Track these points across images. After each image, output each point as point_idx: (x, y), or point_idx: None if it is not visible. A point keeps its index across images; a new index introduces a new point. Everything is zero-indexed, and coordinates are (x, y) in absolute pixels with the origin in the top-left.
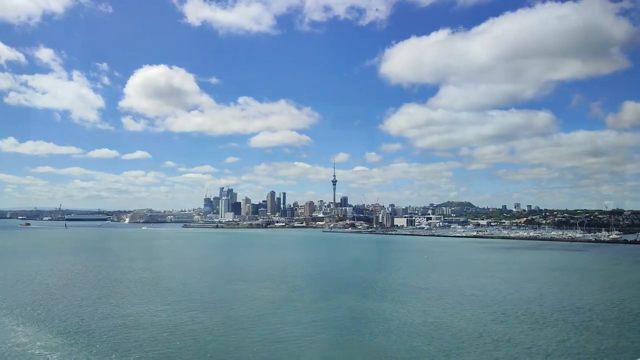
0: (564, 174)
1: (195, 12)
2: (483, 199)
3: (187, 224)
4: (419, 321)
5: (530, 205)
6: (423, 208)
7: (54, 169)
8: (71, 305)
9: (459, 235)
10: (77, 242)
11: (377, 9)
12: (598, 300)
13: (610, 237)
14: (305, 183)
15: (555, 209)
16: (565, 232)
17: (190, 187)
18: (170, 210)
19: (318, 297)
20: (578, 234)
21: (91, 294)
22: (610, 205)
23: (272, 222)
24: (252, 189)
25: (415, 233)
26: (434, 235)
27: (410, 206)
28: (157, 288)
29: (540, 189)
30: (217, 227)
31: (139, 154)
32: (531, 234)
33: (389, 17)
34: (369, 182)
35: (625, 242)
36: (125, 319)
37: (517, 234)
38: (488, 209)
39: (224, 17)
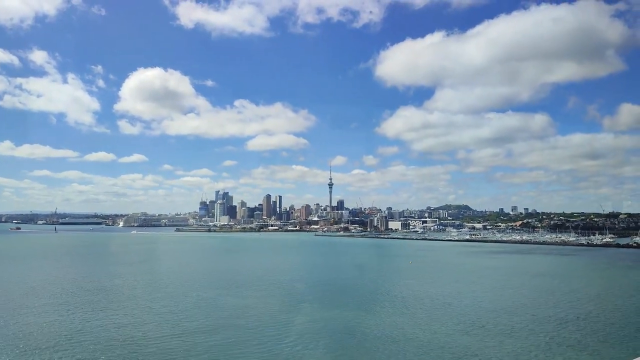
0: (561, 177)
1: (188, 13)
2: (481, 202)
3: (180, 227)
4: (382, 333)
5: (527, 208)
6: (420, 211)
7: (51, 173)
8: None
9: (451, 239)
10: (58, 247)
11: (370, 11)
12: (576, 311)
13: (604, 240)
14: (304, 186)
15: (553, 212)
16: (559, 235)
17: (188, 190)
18: (166, 214)
19: (283, 306)
20: (571, 237)
21: (38, 303)
22: (607, 208)
23: (266, 226)
24: (251, 192)
25: (407, 237)
26: (426, 239)
27: (407, 209)
28: (110, 297)
29: (538, 192)
30: (209, 231)
31: (136, 157)
32: (524, 237)
33: (383, 19)
34: (367, 186)
35: (618, 245)
36: (67, 329)
37: (510, 238)
38: (485, 212)
39: (216, 19)
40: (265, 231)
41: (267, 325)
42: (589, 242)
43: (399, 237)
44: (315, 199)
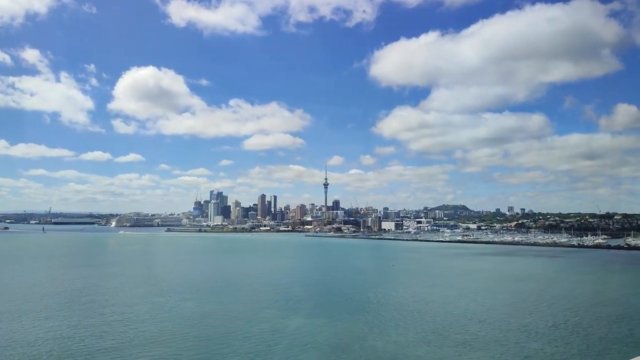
0: (559, 177)
1: (179, 12)
2: (479, 202)
3: (171, 228)
4: (336, 343)
5: (523, 209)
6: (416, 211)
7: (47, 172)
8: None
9: (442, 239)
10: (37, 247)
11: (364, 10)
12: (550, 319)
13: (595, 242)
14: (301, 186)
15: (551, 212)
16: (552, 236)
17: (186, 190)
18: (160, 213)
19: (243, 313)
20: (563, 238)
21: None
22: (605, 209)
23: (258, 227)
24: (248, 192)
25: (399, 237)
26: (417, 240)
27: (405, 209)
28: (62, 302)
29: (536, 192)
30: (200, 231)
31: (132, 157)
32: (516, 238)
33: (376, 18)
34: (365, 186)
35: (609, 247)
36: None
37: (502, 239)
38: (482, 212)
39: (208, 18)
40: (257, 232)
41: (220, 335)
42: (580, 243)
43: (390, 237)
44: (312, 198)
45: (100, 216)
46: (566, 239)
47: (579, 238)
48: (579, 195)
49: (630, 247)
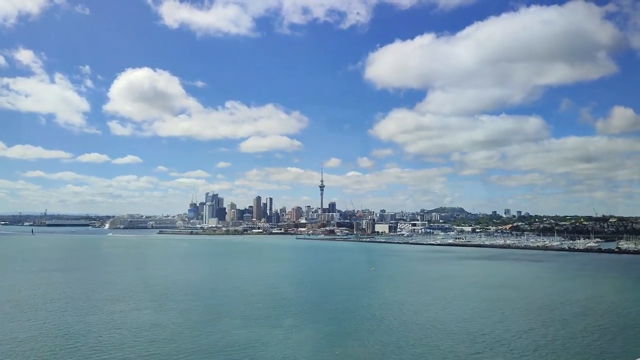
0: (556, 180)
1: (172, 13)
2: (477, 204)
3: (163, 230)
4: (284, 356)
5: (520, 211)
6: (412, 214)
7: (45, 174)
8: None
9: (434, 242)
10: (16, 250)
11: (357, 12)
12: (520, 329)
13: (587, 245)
14: (300, 188)
15: (548, 215)
16: (544, 239)
17: (184, 192)
18: (155, 215)
19: (198, 323)
20: (555, 241)
21: None
22: (601, 212)
23: (250, 229)
24: (246, 194)
25: (389, 240)
26: (408, 243)
27: (402, 212)
28: (6, 311)
29: (534, 194)
30: (191, 233)
31: (129, 159)
32: (508, 241)
33: (370, 20)
34: (363, 188)
35: (599, 250)
36: None
37: (493, 242)
38: (479, 214)
39: (201, 19)
40: (249, 234)
41: (164, 350)
42: (571, 246)
43: (381, 240)
44: (310, 201)
45: (98, 218)
46: (558, 242)
47: (571, 241)
48: (576, 198)
49: (620, 251)
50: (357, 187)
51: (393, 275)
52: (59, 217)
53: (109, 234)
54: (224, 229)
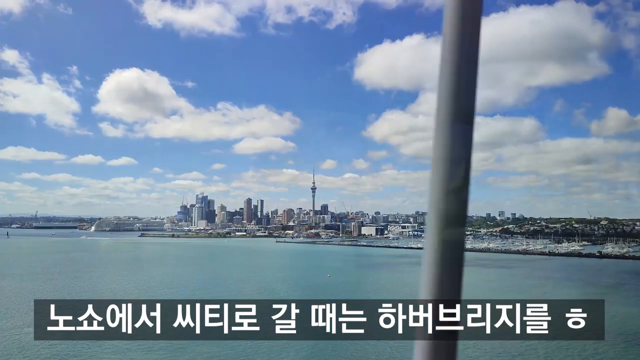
0: (554, 182)
1: (154, 12)
2: (475, 206)
3: (145, 232)
4: None
5: (514, 213)
6: (406, 216)
7: (40, 175)
8: None
9: (414, 246)
10: None
11: (343, 13)
12: None
13: (571, 249)
14: (297, 190)
15: (545, 217)
16: (528, 242)
17: (181, 194)
18: (142, 217)
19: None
20: (538, 245)
21: None
22: (599, 213)
23: (234, 232)
24: (244, 195)
25: (371, 244)
26: (389, 247)
27: (399, 213)
28: None
29: (531, 196)
30: (173, 236)
31: (124, 160)
32: (490, 245)
33: (357, 20)
34: (360, 190)
35: (580, 255)
36: None
37: (474, 246)
38: (473, 216)
39: (184, 18)
40: (232, 237)
41: None
42: (552, 251)
43: (363, 244)
44: (307, 202)
45: (92, 220)
46: (542, 246)
47: (554, 245)
48: (575, 200)
49: (601, 256)
50: (354, 189)
51: (344, 284)
52: (49, 219)
53: (82, 237)
54: (209, 231)
